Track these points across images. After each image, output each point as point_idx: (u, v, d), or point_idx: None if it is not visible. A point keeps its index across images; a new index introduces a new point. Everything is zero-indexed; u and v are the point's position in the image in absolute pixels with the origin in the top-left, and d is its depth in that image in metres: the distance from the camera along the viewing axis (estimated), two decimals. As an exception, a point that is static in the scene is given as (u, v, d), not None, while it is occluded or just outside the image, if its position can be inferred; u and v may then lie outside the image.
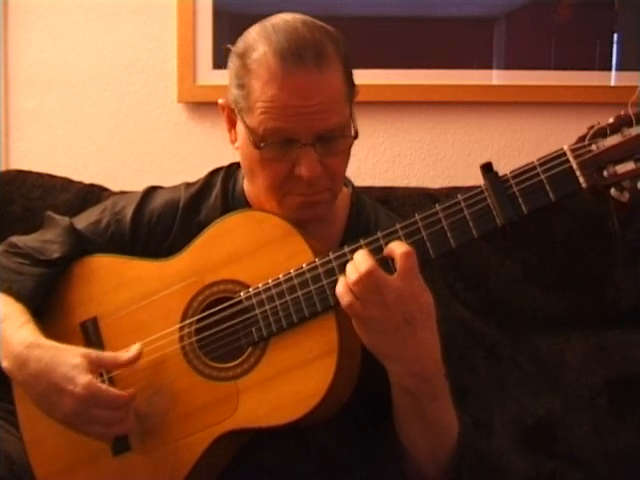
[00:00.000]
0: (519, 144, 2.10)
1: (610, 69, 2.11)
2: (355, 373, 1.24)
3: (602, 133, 1.09)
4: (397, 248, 1.14)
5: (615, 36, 2.11)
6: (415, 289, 1.13)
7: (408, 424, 1.25)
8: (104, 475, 1.33)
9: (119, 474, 1.32)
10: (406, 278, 1.12)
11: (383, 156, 2.11)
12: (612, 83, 2.11)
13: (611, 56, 2.11)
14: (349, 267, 1.15)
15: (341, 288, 1.14)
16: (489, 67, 2.12)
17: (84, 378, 1.23)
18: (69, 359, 1.25)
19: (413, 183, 2.09)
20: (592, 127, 1.10)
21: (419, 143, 2.12)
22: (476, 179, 2.02)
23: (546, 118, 2.10)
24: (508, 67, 2.12)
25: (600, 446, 1.76)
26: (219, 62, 2.07)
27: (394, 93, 2.06)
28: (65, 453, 1.35)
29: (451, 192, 1.89)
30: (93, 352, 1.29)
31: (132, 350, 1.29)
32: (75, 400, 1.22)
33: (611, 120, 1.09)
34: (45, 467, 1.37)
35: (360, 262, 1.13)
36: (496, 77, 2.11)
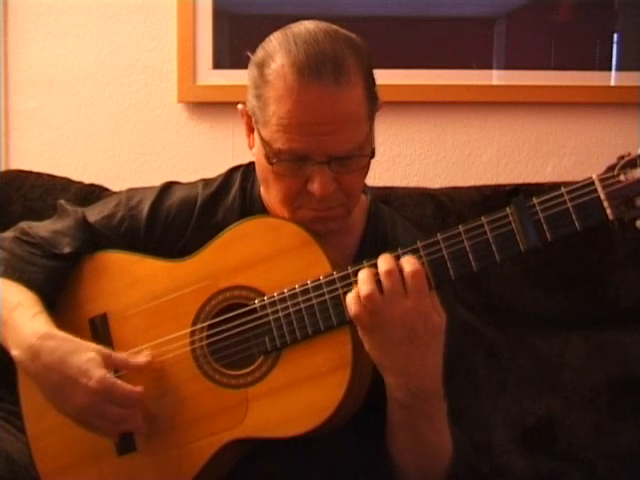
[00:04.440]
0: (519, 144, 2.10)
1: (610, 69, 2.11)
2: (365, 387, 1.23)
3: (632, 164, 1.07)
4: (406, 266, 1.12)
5: (615, 36, 2.11)
6: (424, 308, 1.12)
7: (397, 437, 1.24)
8: (107, 474, 1.32)
9: (123, 474, 1.31)
10: (415, 297, 1.11)
11: (383, 156, 2.11)
12: (612, 83, 2.11)
13: (611, 56, 2.11)
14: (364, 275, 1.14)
15: (352, 297, 1.13)
16: (489, 67, 2.12)
17: (99, 372, 1.22)
18: (83, 352, 1.24)
19: (413, 183, 2.09)
20: (622, 157, 1.08)
21: (419, 143, 2.12)
22: (476, 179, 2.05)
23: (546, 118, 2.10)
24: (508, 67, 2.11)
25: (600, 446, 1.76)
26: (219, 62, 2.07)
27: (394, 93, 2.05)
28: (69, 449, 1.34)
29: (451, 192, 1.91)
30: (105, 349, 1.28)
31: (143, 356, 1.29)
32: (88, 393, 1.21)
33: (641, 151, 1.07)
34: (48, 462, 1.36)
35: (383, 263, 1.13)
36: (496, 77, 2.11)
